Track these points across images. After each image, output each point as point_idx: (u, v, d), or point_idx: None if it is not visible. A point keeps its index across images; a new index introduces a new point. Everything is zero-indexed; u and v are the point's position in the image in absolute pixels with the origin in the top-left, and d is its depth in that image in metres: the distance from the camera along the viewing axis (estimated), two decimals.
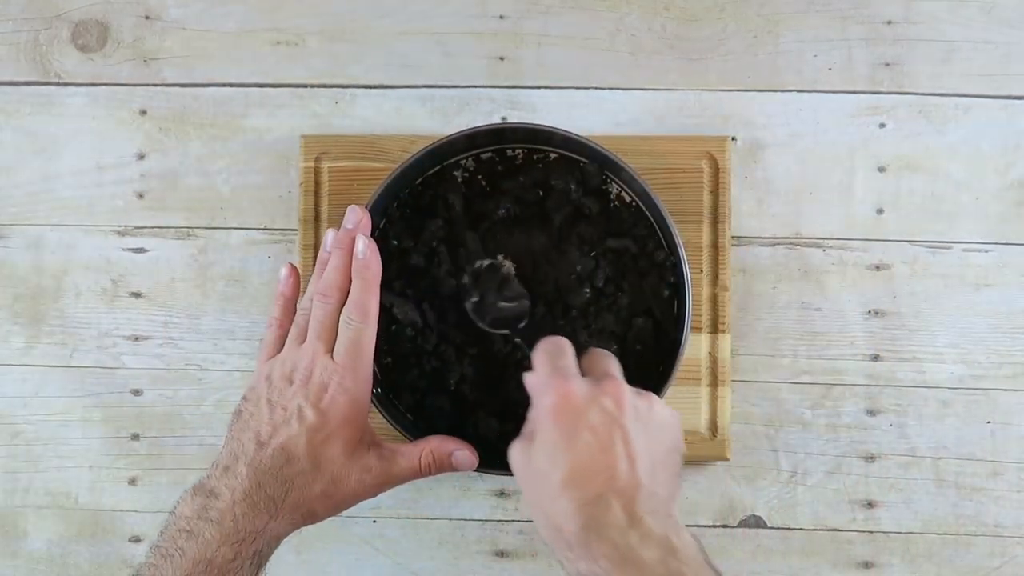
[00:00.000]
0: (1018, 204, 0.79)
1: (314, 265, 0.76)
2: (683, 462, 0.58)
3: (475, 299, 0.70)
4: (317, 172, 0.77)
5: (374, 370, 0.73)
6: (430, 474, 0.63)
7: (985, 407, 0.78)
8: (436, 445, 0.63)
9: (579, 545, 0.51)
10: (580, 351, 0.61)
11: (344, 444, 0.61)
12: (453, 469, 0.64)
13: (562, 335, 0.75)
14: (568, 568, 0.53)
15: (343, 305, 0.63)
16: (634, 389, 0.57)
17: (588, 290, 0.72)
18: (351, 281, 0.63)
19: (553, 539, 0.53)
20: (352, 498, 0.62)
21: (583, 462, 0.52)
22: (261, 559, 0.60)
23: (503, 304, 0.70)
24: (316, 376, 0.61)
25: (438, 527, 0.78)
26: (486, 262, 0.72)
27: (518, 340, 0.69)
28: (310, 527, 0.77)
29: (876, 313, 0.78)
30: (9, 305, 0.80)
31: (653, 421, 0.56)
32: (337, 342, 0.62)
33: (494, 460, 0.72)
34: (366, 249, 0.63)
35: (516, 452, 0.57)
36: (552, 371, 0.57)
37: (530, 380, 0.59)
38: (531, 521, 0.77)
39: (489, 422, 0.72)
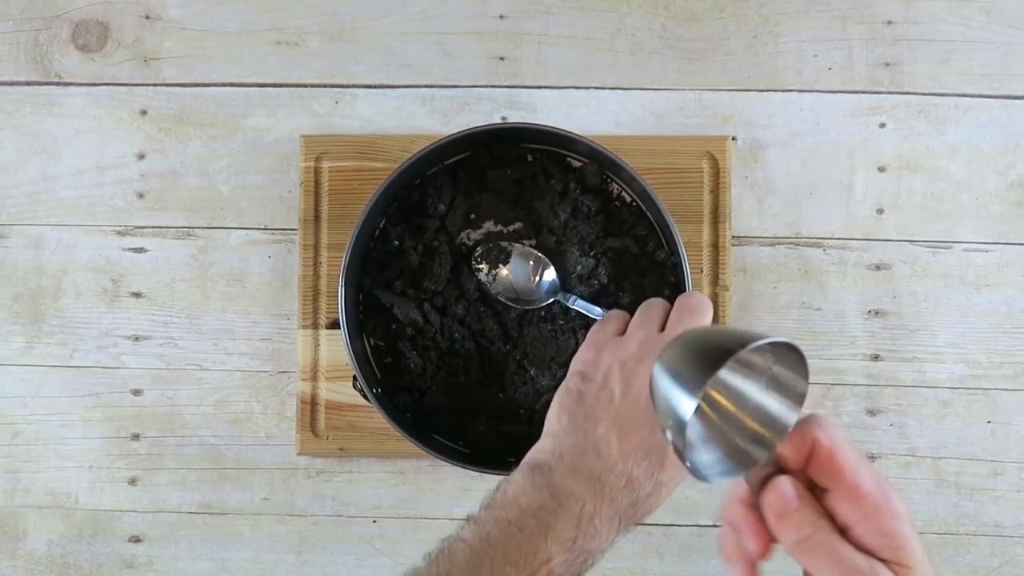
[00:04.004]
0: (1018, 204, 0.79)
1: (313, 265, 0.76)
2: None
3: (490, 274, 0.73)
4: (317, 172, 0.77)
5: (374, 370, 0.73)
6: None
7: (985, 407, 0.78)
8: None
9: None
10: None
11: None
12: None
13: (558, 335, 0.75)
14: None
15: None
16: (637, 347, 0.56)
17: (595, 285, 0.72)
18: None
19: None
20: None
21: None
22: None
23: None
24: None
25: (438, 527, 0.77)
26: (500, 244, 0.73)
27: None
28: (311, 527, 0.77)
29: (876, 313, 0.78)
30: (9, 305, 0.80)
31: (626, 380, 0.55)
32: None
33: (494, 460, 0.72)
34: None
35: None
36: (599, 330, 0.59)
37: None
38: None
39: (489, 422, 0.72)
